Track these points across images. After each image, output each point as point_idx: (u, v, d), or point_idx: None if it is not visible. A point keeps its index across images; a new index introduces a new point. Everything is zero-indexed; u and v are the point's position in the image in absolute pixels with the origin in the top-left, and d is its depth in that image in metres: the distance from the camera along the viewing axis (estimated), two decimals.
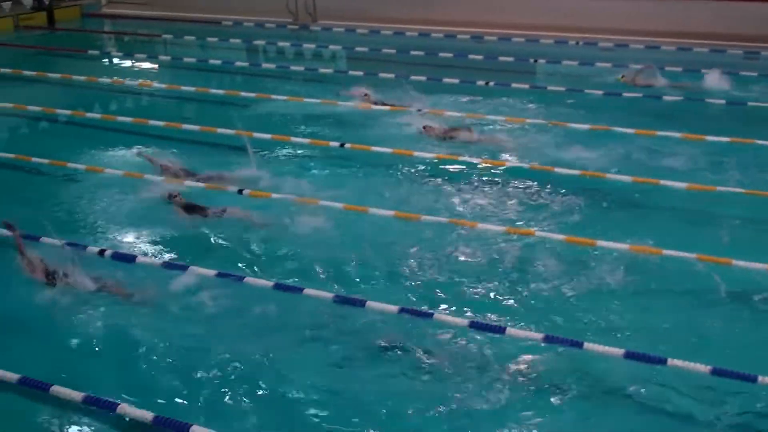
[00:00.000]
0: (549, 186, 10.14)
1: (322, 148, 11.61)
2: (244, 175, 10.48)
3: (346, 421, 6.14)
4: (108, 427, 6.11)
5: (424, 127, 12.03)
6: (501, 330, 6.98)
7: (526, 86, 14.38)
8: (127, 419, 6.06)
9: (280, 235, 9.01)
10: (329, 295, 7.54)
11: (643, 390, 6.38)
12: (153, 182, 10.30)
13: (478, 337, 7.03)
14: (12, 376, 6.48)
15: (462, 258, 8.47)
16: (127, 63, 17.88)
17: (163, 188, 9.98)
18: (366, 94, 13.66)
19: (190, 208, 9.50)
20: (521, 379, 6.54)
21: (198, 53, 18.14)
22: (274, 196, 9.82)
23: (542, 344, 6.81)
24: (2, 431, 6.21)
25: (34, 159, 11.15)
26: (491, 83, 14.62)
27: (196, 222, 9.30)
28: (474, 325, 7.08)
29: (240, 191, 9.96)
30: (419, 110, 12.86)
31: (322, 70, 16.12)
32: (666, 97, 13.51)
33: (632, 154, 11.02)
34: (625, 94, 13.68)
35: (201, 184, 10.23)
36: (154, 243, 8.93)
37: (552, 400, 6.32)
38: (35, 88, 15.70)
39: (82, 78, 15.84)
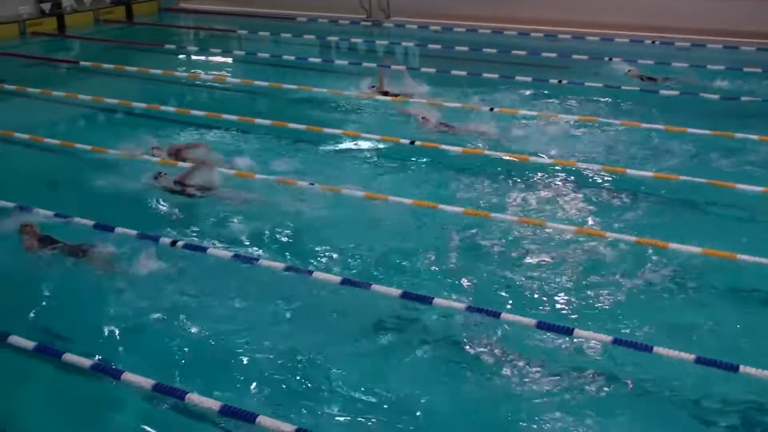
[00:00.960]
0: (621, 187, 10.01)
1: (392, 145, 11.62)
2: (316, 169, 10.59)
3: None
4: (174, 414, 6.21)
5: (422, 118, 12.23)
6: (569, 331, 6.91)
7: (600, 85, 14.20)
8: (194, 407, 6.16)
9: (364, 232, 9.11)
10: (397, 291, 7.55)
11: (710, 396, 6.27)
12: (225, 176, 10.46)
13: (545, 337, 6.99)
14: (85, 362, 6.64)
15: (531, 257, 8.40)
16: (203, 57, 18.13)
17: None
18: (373, 87, 13.94)
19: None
20: (585, 380, 6.47)
21: (272, 49, 18.28)
22: (359, 193, 9.90)
23: (610, 346, 6.72)
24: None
25: (110, 151, 11.38)
26: (564, 81, 14.47)
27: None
28: (541, 326, 7.02)
29: (311, 184, 10.05)
30: (492, 108, 12.82)
31: (394, 67, 16.12)
32: (743, 98, 13.23)
33: (707, 156, 10.81)
34: (701, 95, 13.42)
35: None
36: (220, 233, 9.08)
37: (619, 402, 6.24)
38: (113, 81, 16.01)
39: (159, 72, 16.11)
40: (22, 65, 17.39)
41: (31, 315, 7.62)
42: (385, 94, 13.86)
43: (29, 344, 6.88)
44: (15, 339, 6.94)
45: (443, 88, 14.19)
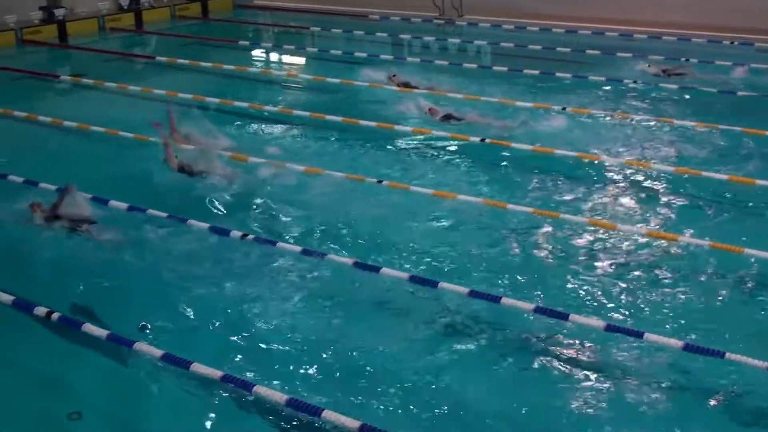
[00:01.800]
0: (695, 190, 9.83)
1: (463, 143, 11.57)
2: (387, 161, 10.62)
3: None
4: (242, 403, 6.27)
5: (428, 109, 12.68)
6: (638, 334, 6.80)
7: (675, 86, 13.96)
8: (257, 398, 6.21)
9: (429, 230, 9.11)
10: (464, 290, 7.51)
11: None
12: (292, 171, 10.53)
13: (614, 340, 6.89)
14: (156, 352, 6.74)
15: (601, 259, 8.30)
16: (276, 54, 18.27)
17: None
18: (394, 75, 14.43)
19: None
20: (653, 384, 6.37)
21: (344, 46, 18.36)
22: (432, 192, 9.90)
23: (681, 351, 6.60)
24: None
25: (182, 145, 11.53)
26: (639, 82, 14.26)
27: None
28: (610, 328, 6.93)
29: (379, 182, 10.07)
30: (564, 108, 12.70)
31: (466, 65, 16.07)
32: None
33: None
34: None
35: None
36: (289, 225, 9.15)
37: (689, 408, 6.13)
38: (188, 76, 16.24)
39: (232, 67, 16.29)
40: (101, 60, 17.76)
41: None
42: (406, 85, 14.21)
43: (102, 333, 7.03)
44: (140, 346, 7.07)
45: (514, 87, 14.13)
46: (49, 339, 7.23)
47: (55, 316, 7.20)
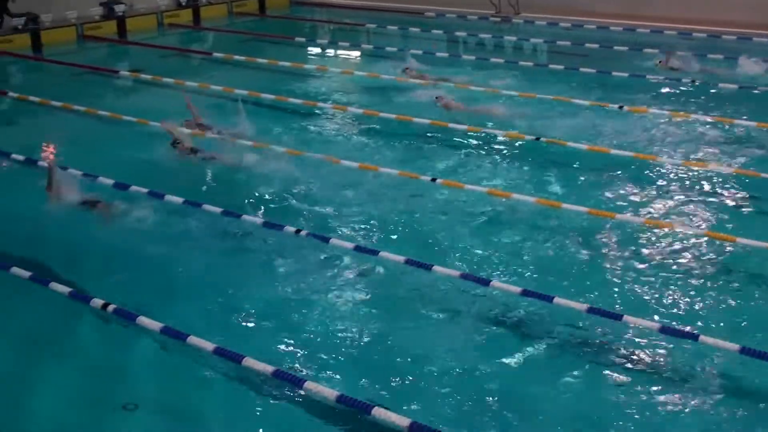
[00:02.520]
0: (754, 190, 9.67)
1: (516, 141, 11.51)
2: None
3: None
4: (292, 399, 6.30)
5: (436, 98, 13.16)
6: (694, 337, 6.71)
7: (734, 87, 13.73)
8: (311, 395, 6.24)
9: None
10: (517, 289, 7.48)
11: None
12: (346, 166, 10.58)
13: (668, 342, 6.81)
14: (208, 345, 6.81)
15: (656, 259, 8.19)
16: (331, 51, 18.33)
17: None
18: (407, 68, 15.05)
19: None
20: (709, 388, 6.28)
21: (400, 43, 18.35)
22: (467, 187, 9.87)
23: (737, 354, 6.49)
24: None
25: (237, 141, 11.64)
26: (697, 82, 14.05)
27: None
28: (665, 330, 6.84)
29: (433, 180, 10.06)
30: (621, 107, 12.56)
31: (522, 63, 15.96)
32: None
33: None
34: None
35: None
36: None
37: (744, 413, 6.03)
38: (244, 72, 16.35)
39: (288, 64, 16.38)
40: (158, 56, 17.98)
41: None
42: (421, 78, 14.74)
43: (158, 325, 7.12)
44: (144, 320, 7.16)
45: (572, 86, 14.02)
46: (106, 330, 7.33)
47: (111, 307, 7.30)
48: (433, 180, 10.08)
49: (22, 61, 18.11)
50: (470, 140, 11.72)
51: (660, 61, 15.01)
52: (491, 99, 13.46)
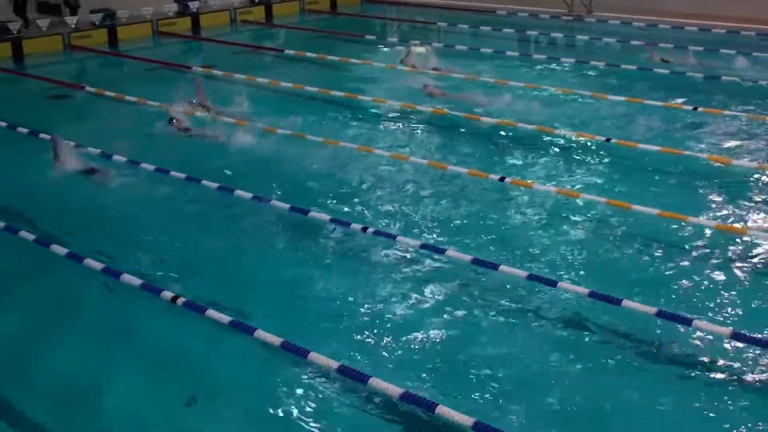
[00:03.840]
0: None
1: (585, 143, 11.39)
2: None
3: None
4: (357, 395, 6.33)
5: (424, 86, 14.13)
6: (763, 344, 6.57)
7: None
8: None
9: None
10: (585, 290, 7.39)
11: None
12: (415, 165, 10.59)
13: (740, 348, 6.69)
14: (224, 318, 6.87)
15: (729, 264, 8.04)
16: (401, 48, 18.30)
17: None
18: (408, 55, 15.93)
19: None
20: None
21: (470, 41, 18.28)
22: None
23: None
24: None
25: (309, 136, 11.73)
26: None
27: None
28: (736, 336, 6.71)
29: (502, 179, 10.01)
30: (696, 108, 12.35)
31: (593, 62, 15.78)
32: None
33: None
34: None
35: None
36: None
37: None
38: (315, 69, 16.45)
39: (359, 61, 16.44)
40: (231, 52, 18.19)
41: None
42: (414, 67, 15.53)
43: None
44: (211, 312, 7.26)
45: (641, 86, 13.83)
46: (173, 322, 7.45)
47: (180, 300, 7.41)
48: (502, 179, 10.03)
49: (100, 56, 18.50)
50: (538, 141, 11.63)
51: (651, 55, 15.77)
52: (562, 102, 13.34)
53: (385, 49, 18.18)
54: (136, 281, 7.79)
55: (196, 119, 12.66)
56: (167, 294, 7.52)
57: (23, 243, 8.82)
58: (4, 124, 12.69)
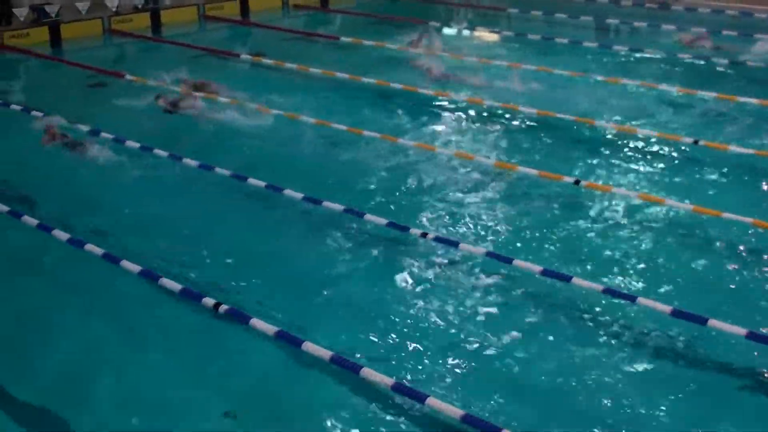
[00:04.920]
0: None
1: (670, 144, 11.24)
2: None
3: None
4: (412, 414, 6.31)
5: (426, 69, 14.89)
6: None
7: None
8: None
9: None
10: (666, 308, 7.28)
11: None
12: (480, 163, 10.54)
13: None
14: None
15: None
16: (467, 36, 18.27)
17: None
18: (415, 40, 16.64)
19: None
20: None
21: (544, 29, 18.16)
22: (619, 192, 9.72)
23: None
24: None
25: (366, 132, 11.78)
26: None
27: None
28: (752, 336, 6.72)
29: (576, 182, 9.93)
30: None
31: (680, 55, 15.57)
32: None
33: None
34: None
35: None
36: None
37: None
38: (372, 58, 16.39)
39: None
40: (282, 39, 18.29)
41: None
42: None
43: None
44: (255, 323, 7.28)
45: (738, 83, 13.62)
46: (215, 330, 7.50)
47: (222, 308, 7.46)
48: (577, 182, 9.95)
49: (141, 42, 18.73)
50: (618, 141, 11.50)
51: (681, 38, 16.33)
52: (644, 98, 13.19)
53: (447, 36, 18.14)
54: (176, 285, 7.87)
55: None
56: (209, 301, 7.58)
57: (58, 243, 8.97)
58: (40, 114, 12.88)
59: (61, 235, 8.94)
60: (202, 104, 13.26)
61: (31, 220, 9.32)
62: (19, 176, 11.08)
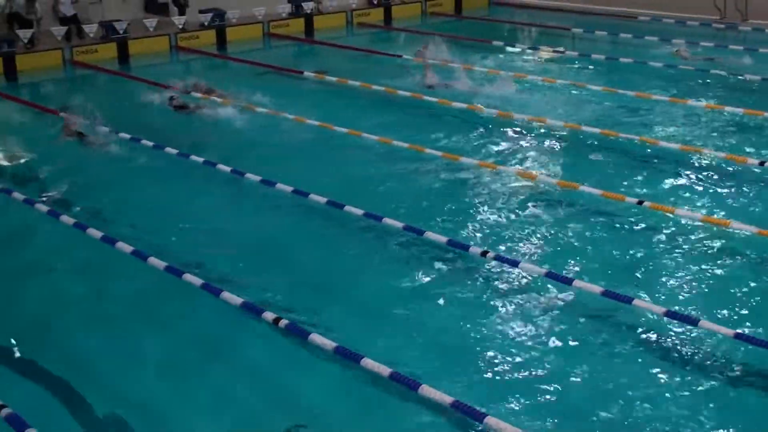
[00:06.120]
0: None
1: (736, 166, 11.09)
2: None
3: None
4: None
5: (426, 76, 15.86)
6: None
7: None
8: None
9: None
10: (730, 332, 7.19)
11: None
12: (543, 182, 10.51)
13: None
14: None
15: None
16: (531, 56, 18.23)
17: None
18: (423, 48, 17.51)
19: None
20: None
21: (608, 50, 18.05)
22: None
23: None
24: None
25: (428, 150, 11.79)
26: None
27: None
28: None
29: (640, 203, 9.85)
30: None
31: (748, 76, 15.37)
32: None
33: None
34: None
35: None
36: None
37: None
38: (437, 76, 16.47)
39: (484, 70, 16.42)
40: (346, 56, 18.40)
41: None
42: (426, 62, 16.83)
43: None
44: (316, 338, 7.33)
45: None
46: (276, 344, 7.56)
47: (283, 322, 7.52)
48: (640, 203, 9.86)
49: (206, 58, 19.00)
50: (683, 162, 11.38)
51: (677, 50, 17.08)
52: (710, 118, 13.05)
53: (512, 56, 18.14)
54: (237, 299, 7.96)
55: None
56: (269, 315, 7.65)
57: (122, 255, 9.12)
58: (106, 129, 13.15)
59: (157, 263, 8.82)
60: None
61: (126, 247, 9.20)
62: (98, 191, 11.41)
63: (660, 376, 6.92)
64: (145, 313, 8.27)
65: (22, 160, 12.39)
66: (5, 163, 12.39)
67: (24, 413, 6.27)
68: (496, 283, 8.41)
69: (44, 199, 10.82)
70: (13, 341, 7.88)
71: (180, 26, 19.88)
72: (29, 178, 11.73)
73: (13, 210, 10.64)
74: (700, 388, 6.77)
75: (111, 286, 8.84)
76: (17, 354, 7.77)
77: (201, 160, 11.72)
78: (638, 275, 8.49)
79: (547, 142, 12.46)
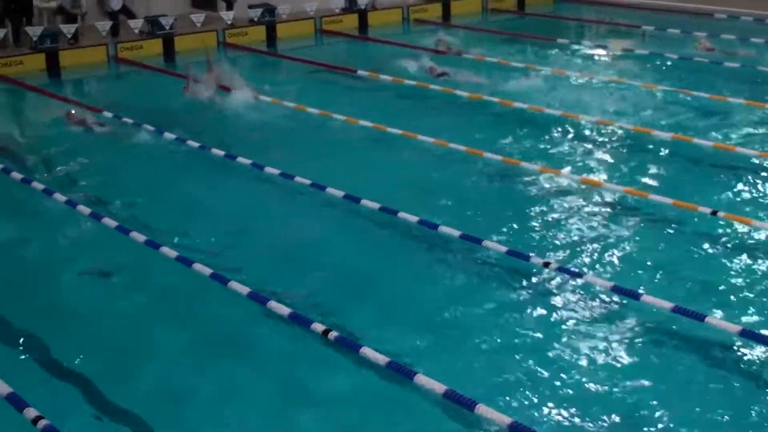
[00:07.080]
0: None
1: None
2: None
3: None
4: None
5: (429, 68, 16.41)
6: None
7: None
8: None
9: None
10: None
11: None
12: (606, 192, 10.43)
13: None
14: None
15: None
16: (599, 54, 18.11)
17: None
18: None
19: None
20: None
21: (680, 49, 17.86)
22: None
23: None
24: None
25: (486, 153, 11.79)
26: None
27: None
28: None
29: (714, 213, 9.72)
30: None
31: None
32: None
33: None
34: None
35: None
36: None
37: None
38: (495, 75, 16.39)
39: (549, 69, 16.33)
40: (402, 54, 18.40)
41: None
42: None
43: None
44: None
45: None
46: (327, 357, 7.57)
47: (332, 335, 7.53)
48: (714, 213, 9.74)
49: (256, 56, 19.11)
50: (760, 170, 11.22)
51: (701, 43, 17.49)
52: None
53: (578, 55, 18.03)
54: (285, 310, 7.99)
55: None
56: (318, 326, 7.67)
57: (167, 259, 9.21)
58: (151, 128, 13.31)
59: (203, 269, 8.87)
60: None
61: (171, 252, 9.32)
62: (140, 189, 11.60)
63: (730, 397, 6.84)
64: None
65: (59, 158, 12.57)
66: (42, 161, 12.56)
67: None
68: (558, 295, 8.35)
69: (83, 196, 10.99)
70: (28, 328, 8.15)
71: (228, 22, 20.01)
72: (70, 181, 11.83)
73: (53, 210, 10.75)
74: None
75: (155, 290, 8.93)
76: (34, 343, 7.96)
77: (249, 162, 11.79)
78: (711, 290, 8.39)
79: (613, 146, 12.37)
